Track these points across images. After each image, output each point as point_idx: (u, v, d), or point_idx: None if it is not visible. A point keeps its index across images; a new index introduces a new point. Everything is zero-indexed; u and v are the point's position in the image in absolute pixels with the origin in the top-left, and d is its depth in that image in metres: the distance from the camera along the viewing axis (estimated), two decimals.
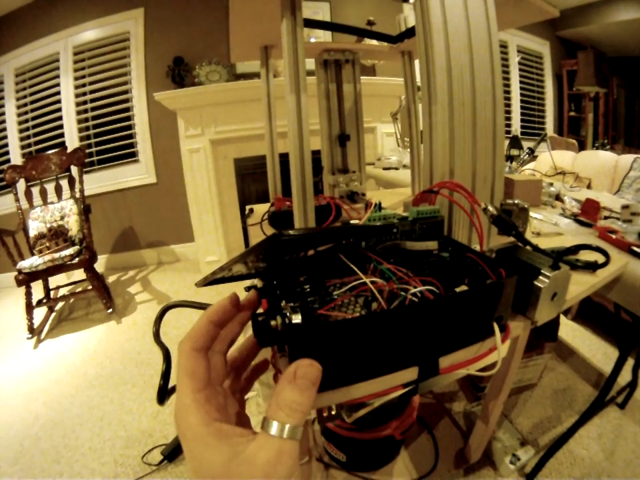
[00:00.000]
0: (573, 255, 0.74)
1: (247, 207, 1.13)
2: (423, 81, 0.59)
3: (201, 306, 0.66)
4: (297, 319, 0.33)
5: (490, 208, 0.50)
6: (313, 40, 2.89)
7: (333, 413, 0.41)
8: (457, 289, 0.43)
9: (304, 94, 0.59)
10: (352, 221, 0.45)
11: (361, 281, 0.39)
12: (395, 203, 1.16)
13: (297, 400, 0.27)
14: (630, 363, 1.27)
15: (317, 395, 0.30)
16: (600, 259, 0.71)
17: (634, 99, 5.48)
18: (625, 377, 1.38)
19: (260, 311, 0.38)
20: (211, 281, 0.40)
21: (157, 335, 0.75)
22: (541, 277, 0.46)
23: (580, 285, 0.63)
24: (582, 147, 3.94)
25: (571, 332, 1.92)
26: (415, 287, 0.38)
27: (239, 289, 0.47)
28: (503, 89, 0.71)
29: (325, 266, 0.44)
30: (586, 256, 0.75)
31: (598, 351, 1.76)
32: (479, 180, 0.61)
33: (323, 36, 2.94)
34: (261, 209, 1.04)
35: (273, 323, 0.33)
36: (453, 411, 1.35)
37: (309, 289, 0.42)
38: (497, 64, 0.65)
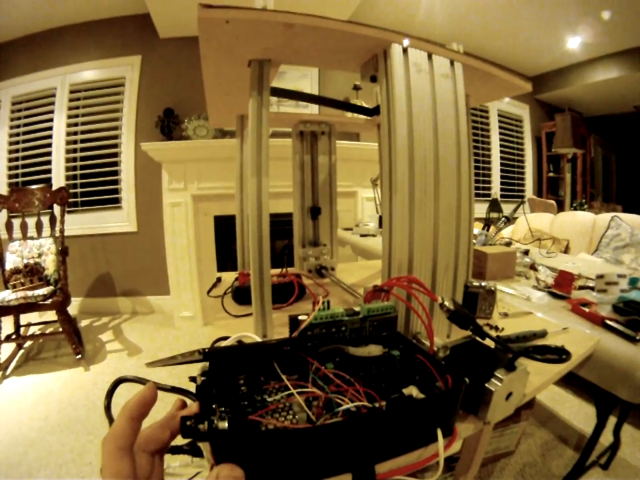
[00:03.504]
0: (539, 339, 0.73)
1: (216, 276, 1.10)
2: (384, 168, 0.59)
3: (156, 384, 0.64)
4: (223, 425, 0.33)
5: (446, 303, 0.49)
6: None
7: None
8: (405, 390, 0.42)
9: (265, 178, 0.59)
10: (300, 316, 0.44)
11: (296, 390, 0.39)
12: (364, 279, 1.14)
13: None
14: (612, 421, 1.23)
15: None
16: (566, 341, 0.70)
17: (610, 155, 5.77)
18: (608, 437, 1.33)
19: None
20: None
21: (107, 409, 0.71)
22: (493, 380, 0.45)
23: (543, 375, 0.60)
24: (561, 206, 4.06)
25: (550, 395, 1.88)
26: (352, 400, 0.38)
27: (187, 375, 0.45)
28: (472, 172, 0.72)
29: (266, 366, 0.43)
30: (554, 338, 0.75)
31: (579, 413, 1.73)
32: (440, 269, 0.60)
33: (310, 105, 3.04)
34: (231, 277, 1.03)
35: (201, 427, 0.32)
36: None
37: (245, 391, 0.41)
38: (464, 147, 0.66)
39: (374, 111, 1.03)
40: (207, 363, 0.41)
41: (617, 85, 4.01)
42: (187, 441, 0.61)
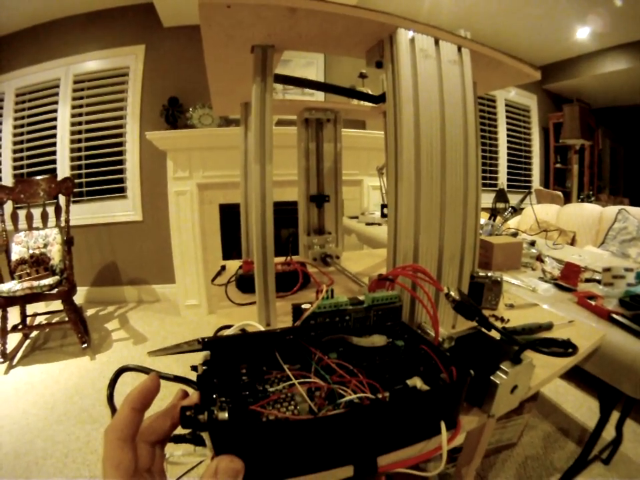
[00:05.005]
0: (545, 331, 0.73)
1: (221, 264, 1.10)
2: (390, 155, 0.58)
3: (158, 374, 0.64)
4: (223, 415, 0.33)
5: (452, 293, 0.48)
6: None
7: None
8: (409, 381, 0.42)
9: (269, 164, 0.58)
10: (303, 305, 0.43)
11: (297, 381, 0.38)
12: (369, 267, 1.13)
13: None
14: (615, 415, 1.22)
15: None
16: (572, 334, 0.69)
17: (618, 147, 5.70)
18: (610, 431, 1.33)
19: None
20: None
21: (110, 399, 0.72)
22: (498, 373, 0.44)
23: (548, 368, 0.59)
24: (568, 198, 4.03)
25: (553, 387, 1.88)
26: (354, 391, 0.37)
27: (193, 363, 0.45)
28: (480, 160, 0.70)
29: (268, 356, 0.43)
30: (560, 330, 0.74)
31: (582, 406, 1.73)
32: (445, 258, 0.59)
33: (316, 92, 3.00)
34: (235, 265, 1.02)
35: (201, 417, 0.32)
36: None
37: (246, 381, 0.41)
38: (472, 135, 0.64)
39: (380, 98, 1.01)
40: (209, 352, 0.40)
41: (626, 76, 3.94)
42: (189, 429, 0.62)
